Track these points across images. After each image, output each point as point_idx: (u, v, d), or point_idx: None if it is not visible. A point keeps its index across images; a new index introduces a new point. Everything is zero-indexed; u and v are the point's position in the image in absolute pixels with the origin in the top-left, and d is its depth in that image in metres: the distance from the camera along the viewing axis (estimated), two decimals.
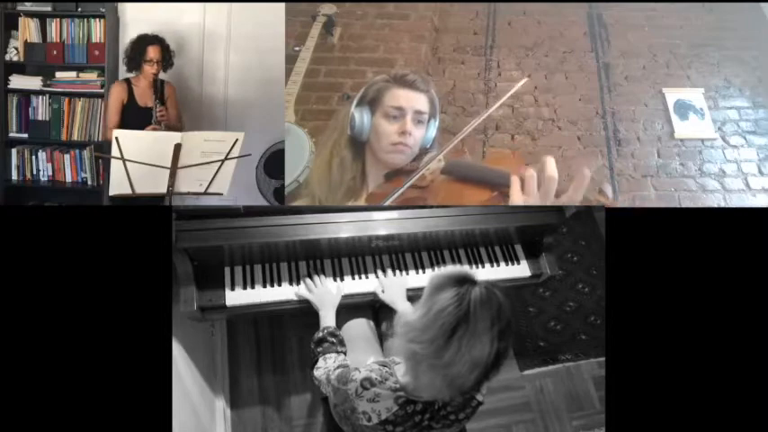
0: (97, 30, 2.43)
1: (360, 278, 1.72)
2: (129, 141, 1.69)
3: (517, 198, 1.00)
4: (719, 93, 2.53)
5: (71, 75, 2.47)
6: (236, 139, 1.76)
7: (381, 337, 1.69)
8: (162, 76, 2.22)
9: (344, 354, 1.41)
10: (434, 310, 0.93)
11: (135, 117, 2.14)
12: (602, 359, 2.58)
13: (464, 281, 0.95)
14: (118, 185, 1.73)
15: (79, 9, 2.40)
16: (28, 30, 2.41)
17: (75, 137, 2.50)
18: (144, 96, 2.17)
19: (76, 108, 2.48)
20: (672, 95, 2.49)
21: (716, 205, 2.21)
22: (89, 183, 2.53)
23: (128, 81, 2.19)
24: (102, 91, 2.45)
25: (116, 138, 1.68)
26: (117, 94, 2.17)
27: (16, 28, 2.42)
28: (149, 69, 2.14)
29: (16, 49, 2.43)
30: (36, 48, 2.42)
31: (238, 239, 1.52)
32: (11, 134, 2.50)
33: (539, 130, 2.40)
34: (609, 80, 2.56)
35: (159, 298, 1.07)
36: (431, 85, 1.38)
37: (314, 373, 1.35)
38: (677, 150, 2.37)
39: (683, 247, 1.15)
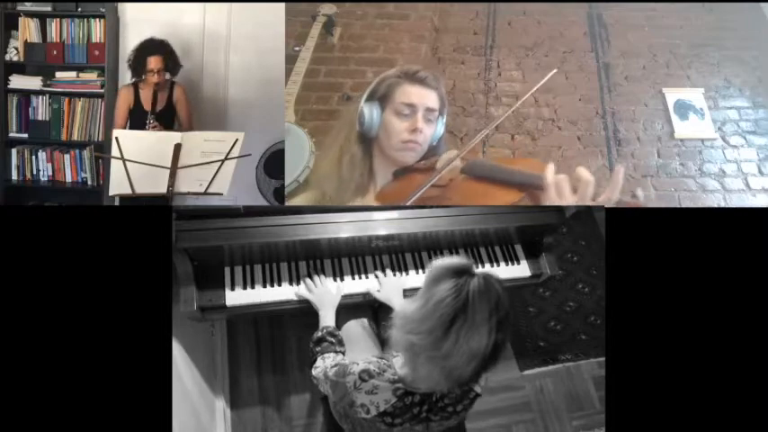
0: (97, 30, 2.43)
1: (360, 278, 1.72)
2: (130, 141, 1.69)
3: (555, 202, 1.01)
4: (719, 93, 2.53)
5: (71, 75, 2.47)
6: (236, 139, 1.76)
7: (381, 337, 1.69)
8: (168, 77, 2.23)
9: (343, 354, 1.41)
10: (433, 301, 0.93)
11: (140, 121, 2.16)
12: (602, 359, 2.58)
13: (462, 272, 0.95)
14: (118, 185, 1.73)
15: (79, 9, 2.40)
16: (28, 30, 2.41)
17: (75, 137, 2.50)
18: (148, 102, 2.17)
19: (76, 108, 2.48)
20: (672, 95, 2.50)
21: (716, 205, 2.21)
22: (89, 183, 2.53)
23: (135, 85, 2.20)
24: (103, 91, 2.45)
25: (116, 138, 1.68)
26: (124, 99, 2.19)
27: (16, 28, 2.42)
28: (151, 79, 2.14)
29: (16, 49, 2.43)
30: (36, 48, 2.42)
31: (238, 239, 1.52)
32: (11, 134, 2.50)
33: (539, 130, 2.40)
34: (609, 80, 2.57)
35: (159, 298, 1.07)
36: (440, 83, 1.37)
37: (312, 372, 1.35)
38: (677, 150, 2.37)
39: (682, 247, 1.15)
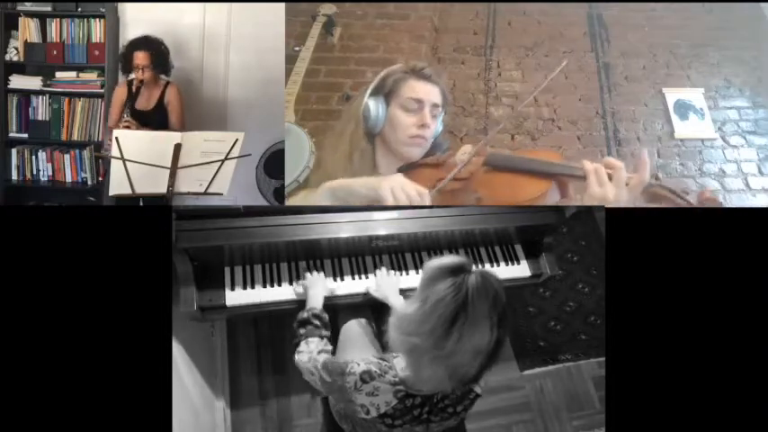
0: (97, 30, 2.42)
1: (359, 278, 1.71)
2: (129, 141, 1.69)
3: (595, 189, 1.02)
4: (719, 93, 2.54)
5: (71, 75, 2.47)
6: (236, 139, 1.76)
7: (380, 338, 1.69)
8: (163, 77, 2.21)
9: (327, 338, 1.40)
10: (432, 301, 0.93)
11: (133, 118, 2.13)
12: (602, 359, 2.58)
13: (459, 270, 0.95)
14: (118, 185, 1.73)
15: (79, 9, 2.40)
16: (28, 30, 2.41)
17: (75, 137, 2.49)
18: (141, 99, 2.16)
19: (76, 108, 2.48)
20: (672, 95, 2.50)
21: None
22: (89, 183, 2.53)
23: (131, 82, 2.19)
24: (103, 91, 2.45)
25: (116, 138, 1.68)
26: (119, 96, 2.17)
27: (16, 28, 2.41)
28: (137, 75, 2.11)
29: (16, 49, 2.43)
30: (36, 48, 2.42)
31: (238, 239, 1.52)
32: (11, 134, 2.49)
33: (539, 130, 2.40)
34: (609, 80, 2.57)
35: (159, 298, 1.07)
36: (442, 78, 1.38)
37: (296, 357, 1.34)
38: (677, 150, 2.37)
39: (682, 246, 1.15)
